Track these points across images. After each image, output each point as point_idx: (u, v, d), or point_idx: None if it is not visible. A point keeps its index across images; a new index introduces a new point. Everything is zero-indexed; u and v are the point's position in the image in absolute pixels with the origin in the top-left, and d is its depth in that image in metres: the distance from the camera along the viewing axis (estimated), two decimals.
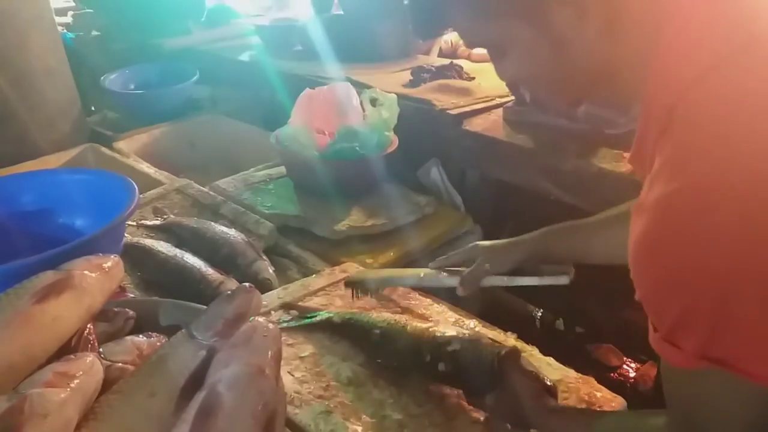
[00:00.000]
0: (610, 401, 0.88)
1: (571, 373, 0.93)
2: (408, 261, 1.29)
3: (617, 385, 1.37)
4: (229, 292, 0.77)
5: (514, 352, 0.82)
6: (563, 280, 0.94)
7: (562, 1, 0.61)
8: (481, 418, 0.85)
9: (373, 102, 1.46)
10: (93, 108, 2.27)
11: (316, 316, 1.03)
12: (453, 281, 0.98)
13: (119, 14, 2.30)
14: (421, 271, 1.04)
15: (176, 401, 0.66)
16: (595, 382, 0.92)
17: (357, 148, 1.40)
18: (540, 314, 1.59)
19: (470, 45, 0.75)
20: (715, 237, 0.50)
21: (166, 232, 1.33)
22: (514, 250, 0.97)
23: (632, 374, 1.47)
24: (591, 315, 1.50)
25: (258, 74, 2.03)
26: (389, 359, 0.93)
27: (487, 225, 1.48)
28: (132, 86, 2.06)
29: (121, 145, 1.81)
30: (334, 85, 1.52)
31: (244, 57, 2.21)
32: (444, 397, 0.89)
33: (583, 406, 0.87)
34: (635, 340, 1.54)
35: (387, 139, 1.44)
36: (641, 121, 0.62)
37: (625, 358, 1.52)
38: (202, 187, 1.52)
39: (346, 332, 1.00)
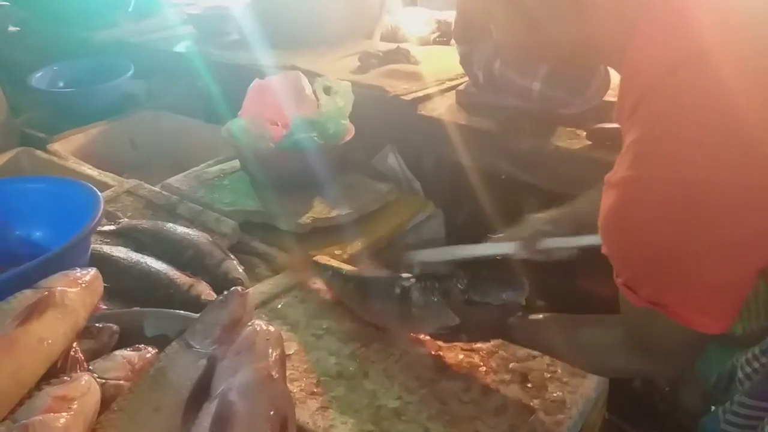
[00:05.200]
0: None
1: None
2: (377, 249, 1.29)
3: None
4: (221, 297, 0.76)
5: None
6: None
7: None
8: (470, 400, 0.88)
9: (327, 90, 1.44)
10: (15, 108, 2.13)
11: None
12: (508, 247, 1.01)
13: (39, 7, 2.16)
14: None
15: (182, 414, 0.65)
16: None
17: (315, 138, 1.38)
18: None
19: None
20: (661, 219, 0.64)
21: (122, 236, 1.27)
22: (567, 219, 1.03)
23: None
24: (550, 287, 1.55)
25: (195, 66, 1.97)
26: None
27: (446, 208, 1.50)
28: (61, 84, 1.95)
29: (56, 147, 1.71)
30: (286, 74, 1.49)
31: (179, 48, 2.13)
32: (435, 382, 0.90)
33: (570, 372, 0.91)
34: (593, 308, 1.62)
35: (343, 128, 1.43)
36: (619, 92, 0.72)
37: None
38: (153, 187, 1.46)
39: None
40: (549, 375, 0.91)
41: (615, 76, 1.45)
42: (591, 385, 0.90)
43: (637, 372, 0.79)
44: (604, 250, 0.71)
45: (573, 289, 1.49)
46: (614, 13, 0.69)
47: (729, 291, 0.66)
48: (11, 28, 2.30)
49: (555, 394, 0.88)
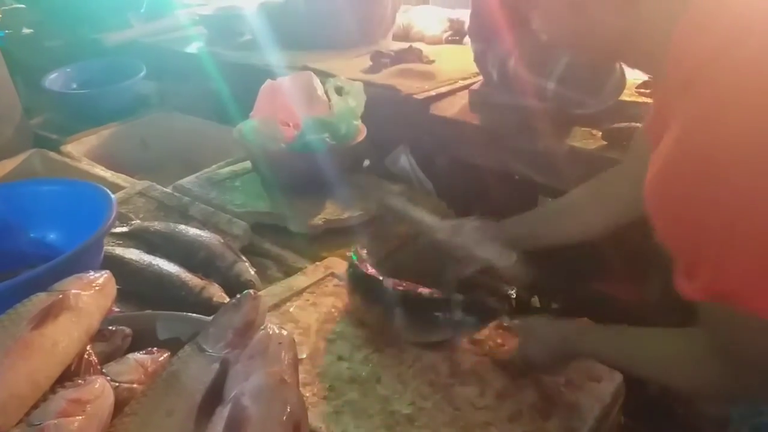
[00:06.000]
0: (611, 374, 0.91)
1: None
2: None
3: None
4: (234, 301, 0.75)
5: None
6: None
7: None
8: (485, 406, 0.87)
9: (339, 91, 1.43)
10: (28, 110, 2.14)
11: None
12: None
13: (53, 9, 2.17)
14: None
15: (195, 418, 0.64)
16: None
17: (327, 139, 1.37)
18: (514, 292, 1.61)
19: None
20: (717, 192, 0.58)
21: (134, 238, 1.28)
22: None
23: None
24: (564, 289, 1.54)
25: (206, 66, 1.97)
26: None
27: (459, 209, 1.49)
28: (74, 86, 1.96)
29: (69, 148, 1.72)
30: (297, 75, 1.48)
31: (191, 49, 2.14)
32: (449, 388, 0.89)
33: (585, 377, 0.90)
34: (608, 311, 1.60)
35: (355, 128, 1.42)
36: (659, 94, 0.69)
37: None
38: (165, 189, 1.46)
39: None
40: (564, 380, 0.90)
41: (631, 76, 1.43)
42: (607, 390, 0.89)
43: (725, 385, 0.71)
44: (658, 237, 0.64)
45: (586, 291, 1.48)
46: (663, 4, 0.66)
47: None
48: (25, 30, 2.31)
49: (570, 399, 0.87)
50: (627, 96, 1.40)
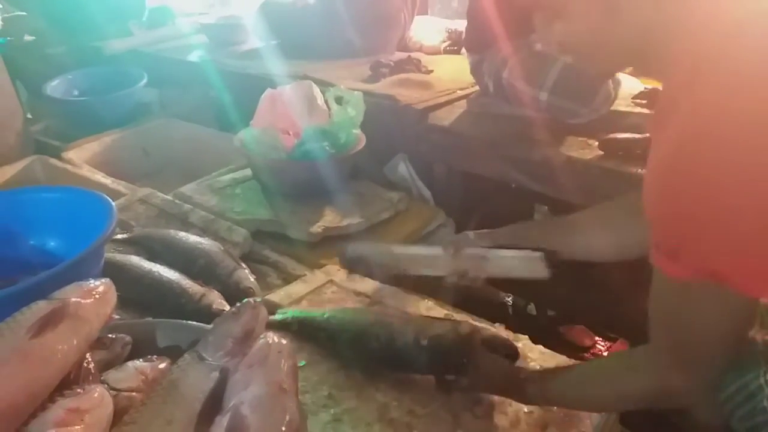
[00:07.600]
0: None
1: (562, 359, 0.96)
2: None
3: None
4: (233, 309, 0.76)
5: (473, 331, 0.87)
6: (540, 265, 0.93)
7: None
8: (483, 414, 0.87)
9: (339, 100, 1.44)
10: (30, 116, 2.15)
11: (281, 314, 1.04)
12: (437, 250, 0.98)
13: (54, 16, 2.18)
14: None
15: (195, 427, 0.65)
16: None
17: (326, 148, 1.38)
18: (511, 300, 1.62)
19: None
20: (715, 177, 0.59)
21: (135, 245, 1.28)
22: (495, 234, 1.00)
23: (605, 353, 1.53)
24: (560, 298, 1.55)
25: (207, 74, 1.98)
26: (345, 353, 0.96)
27: (457, 217, 1.50)
28: (76, 93, 1.97)
29: (70, 155, 1.73)
30: (297, 84, 1.49)
31: (192, 57, 2.15)
32: (447, 396, 0.89)
33: None
34: (604, 319, 1.61)
35: (355, 137, 1.44)
36: (663, 97, 0.67)
37: (596, 338, 1.57)
38: (166, 196, 1.47)
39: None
40: None
41: (628, 86, 1.44)
42: None
43: (660, 391, 0.71)
44: (648, 217, 0.66)
45: (584, 301, 1.48)
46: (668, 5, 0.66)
47: None
48: (27, 38, 2.32)
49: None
50: (623, 106, 1.41)
